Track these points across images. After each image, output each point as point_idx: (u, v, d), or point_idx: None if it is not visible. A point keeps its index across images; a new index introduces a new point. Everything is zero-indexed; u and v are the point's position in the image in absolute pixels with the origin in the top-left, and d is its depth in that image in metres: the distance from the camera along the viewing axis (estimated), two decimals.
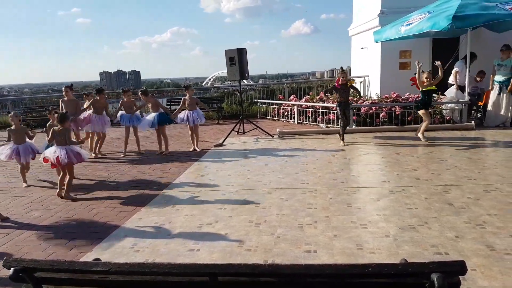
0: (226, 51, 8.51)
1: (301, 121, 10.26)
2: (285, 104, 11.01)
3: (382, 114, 8.81)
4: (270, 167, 6.04)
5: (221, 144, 8.10)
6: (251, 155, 7.01)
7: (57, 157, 4.93)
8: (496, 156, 6.17)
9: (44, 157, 5.10)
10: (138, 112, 7.79)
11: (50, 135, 5.15)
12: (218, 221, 3.98)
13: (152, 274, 1.47)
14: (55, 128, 5.14)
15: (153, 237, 3.70)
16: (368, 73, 11.76)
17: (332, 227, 3.69)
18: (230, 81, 9.40)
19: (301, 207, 4.25)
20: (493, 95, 8.39)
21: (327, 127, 9.30)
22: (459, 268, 1.38)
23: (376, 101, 9.37)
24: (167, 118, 7.67)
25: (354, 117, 8.91)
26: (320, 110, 9.63)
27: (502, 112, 8.27)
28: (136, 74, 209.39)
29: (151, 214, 4.33)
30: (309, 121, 10.00)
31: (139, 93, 7.86)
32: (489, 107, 8.44)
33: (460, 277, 2.86)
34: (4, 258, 1.49)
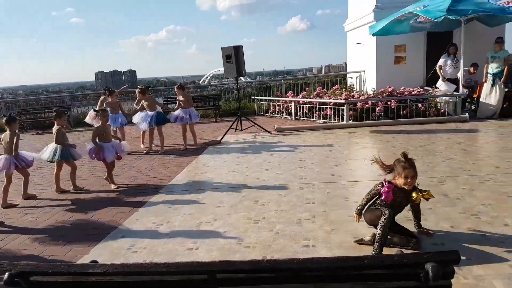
0: (222, 48, 8.51)
1: (298, 117, 10.28)
2: (282, 100, 11.02)
3: (378, 108, 8.85)
4: (268, 164, 6.06)
5: (219, 142, 8.12)
6: (249, 152, 7.03)
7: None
8: (490, 147, 6.22)
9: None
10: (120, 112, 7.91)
11: (96, 136, 5.43)
12: (216, 219, 4.00)
13: (149, 274, 1.47)
14: (99, 126, 5.54)
15: (151, 237, 3.71)
16: (364, 68, 11.79)
17: (330, 221, 3.72)
18: (227, 78, 9.39)
19: (299, 202, 4.28)
20: (486, 87, 8.44)
21: (324, 122, 9.33)
22: (454, 257, 1.40)
23: (372, 95, 9.40)
24: (165, 118, 7.69)
25: (351, 112, 8.94)
26: (317, 106, 9.66)
27: (494, 104, 8.33)
28: (132, 73, 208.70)
29: (149, 214, 4.34)
30: (306, 117, 10.03)
31: (136, 91, 7.85)
32: (483, 99, 8.49)
33: (456, 266, 2.89)
34: None
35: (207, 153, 7.31)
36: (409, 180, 2.93)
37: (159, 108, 7.78)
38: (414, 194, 2.93)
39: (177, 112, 7.74)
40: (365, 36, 10.70)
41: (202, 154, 7.24)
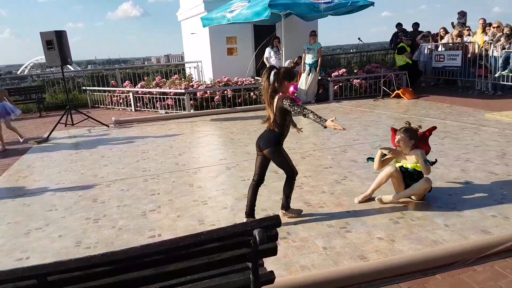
0: (41, 33, 7.64)
1: (138, 108, 9.92)
2: (119, 91, 10.41)
3: (216, 97, 9.28)
4: (107, 159, 5.70)
5: (45, 140, 7.19)
6: (84, 148, 6.45)
7: None
8: (309, 127, 7.30)
9: None
10: None
11: None
12: (49, 224, 3.59)
13: None
14: None
15: None
16: (200, 58, 12.08)
17: (176, 208, 3.79)
18: (50, 67, 8.46)
19: (144, 195, 4.21)
20: (303, 76, 9.82)
21: (166, 112, 9.27)
22: (275, 221, 1.65)
23: (210, 85, 9.79)
24: None
25: (191, 102, 9.12)
26: (158, 96, 9.50)
27: (310, 90, 9.79)
28: None
29: None
30: (147, 108, 9.76)
31: None
32: (302, 87, 9.86)
33: (286, 232, 3.35)
34: None
35: (32, 152, 6.40)
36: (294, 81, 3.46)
37: None
38: None
39: None
40: (198, 27, 10.93)
41: (25, 154, 6.30)
